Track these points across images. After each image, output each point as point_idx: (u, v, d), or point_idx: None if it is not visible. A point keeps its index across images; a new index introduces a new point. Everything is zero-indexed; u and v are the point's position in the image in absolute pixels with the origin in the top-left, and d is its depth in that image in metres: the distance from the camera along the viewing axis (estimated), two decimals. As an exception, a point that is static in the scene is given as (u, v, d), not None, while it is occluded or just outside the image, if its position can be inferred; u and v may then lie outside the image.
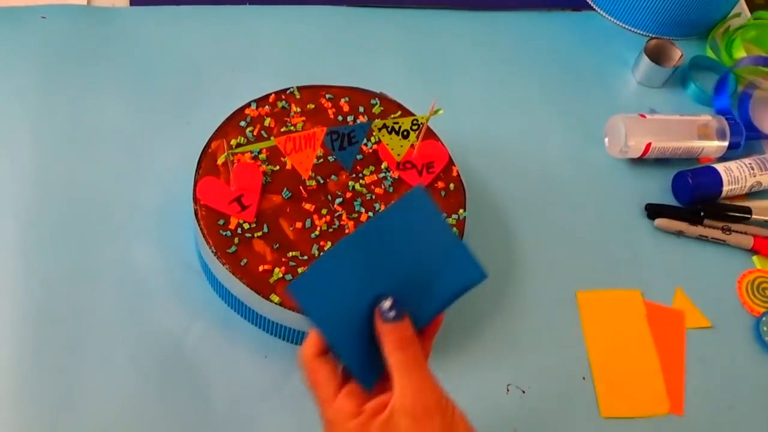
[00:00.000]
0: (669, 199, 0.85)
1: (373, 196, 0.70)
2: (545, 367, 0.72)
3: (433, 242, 0.52)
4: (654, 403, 0.72)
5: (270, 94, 0.74)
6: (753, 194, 0.86)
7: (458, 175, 0.73)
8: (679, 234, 0.82)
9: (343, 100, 0.75)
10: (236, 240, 0.65)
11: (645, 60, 0.92)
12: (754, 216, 0.83)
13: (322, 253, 0.65)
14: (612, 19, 1.00)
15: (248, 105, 0.72)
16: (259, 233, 0.66)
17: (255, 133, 0.71)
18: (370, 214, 0.68)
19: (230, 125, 0.71)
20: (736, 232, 0.83)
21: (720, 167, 0.84)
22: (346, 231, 0.67)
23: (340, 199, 0.69)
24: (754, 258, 0.83)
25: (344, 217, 0.68)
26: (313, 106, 0.74)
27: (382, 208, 0.69)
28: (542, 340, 0.73)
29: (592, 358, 0.73)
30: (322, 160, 0.71)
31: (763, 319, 0.78)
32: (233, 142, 0.70)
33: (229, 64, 0.85)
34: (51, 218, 0.71)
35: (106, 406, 0.63)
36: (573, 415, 0.70)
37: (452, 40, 0.93)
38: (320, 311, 0.48)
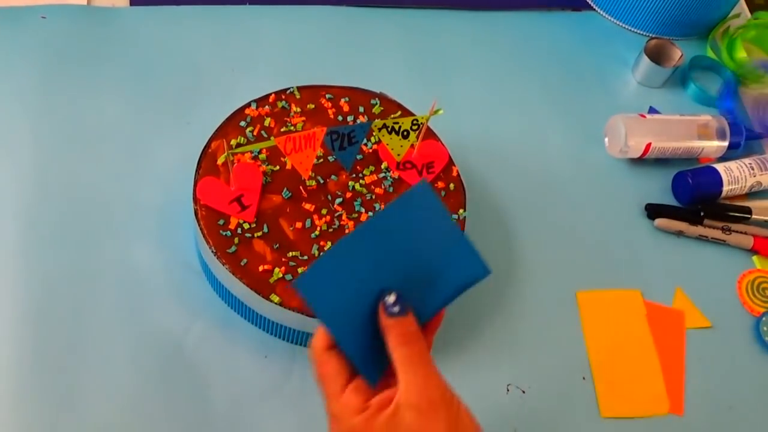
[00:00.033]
0: (669, 199, 0.85)
1: (373, 196, 0.70)
2: (545, 367, 0.72)
3: (436, 237, 0.51)
4: (654, 403, 0.72)
5: (270, 94, 0.74)
6: (753, 194, 0.86)
7: (458, 175, 0.73)
8: (679, 234, 0.82)
9: (343, 100, 0.75)
10: (236, 240, 0.65)
11: (645, 60, 0.92)
12: (754, 216, 0.83)
13: (325, 250, 0.65)
14: (612, 19, 1.00)
15: (248, 105, 0.72)
16: (259, 233, 0.66)
17: (255, 133, 0.71)
18: (370, 214, 0.68)
19: (230, 125, 0.71)
20: (736, 232, 0.83)
21: (720, 167, 0.84)
22: (346, 231, 0.67)
23: (340, 199, 0.69)
24: (754, 258, 0.83)
25: (344, 217, 0.68)
26: (313, 106, 0.74)
27: (382, 208, 0.69)
28: (542, 340, 0.73)
29: (592, 358, 0.73)
30: (322, 160, 0.71)
31: (763, 319, 0.78)
32: (233, 142, 0.70)
33: (229, 64, 0.85)
34: (51, 218, 0.71)
35: (106, 406, 0.63)
36: (573, 415, 0.70)
37: (452, 40, 0.93)
38: (325, 306, 0.48)
